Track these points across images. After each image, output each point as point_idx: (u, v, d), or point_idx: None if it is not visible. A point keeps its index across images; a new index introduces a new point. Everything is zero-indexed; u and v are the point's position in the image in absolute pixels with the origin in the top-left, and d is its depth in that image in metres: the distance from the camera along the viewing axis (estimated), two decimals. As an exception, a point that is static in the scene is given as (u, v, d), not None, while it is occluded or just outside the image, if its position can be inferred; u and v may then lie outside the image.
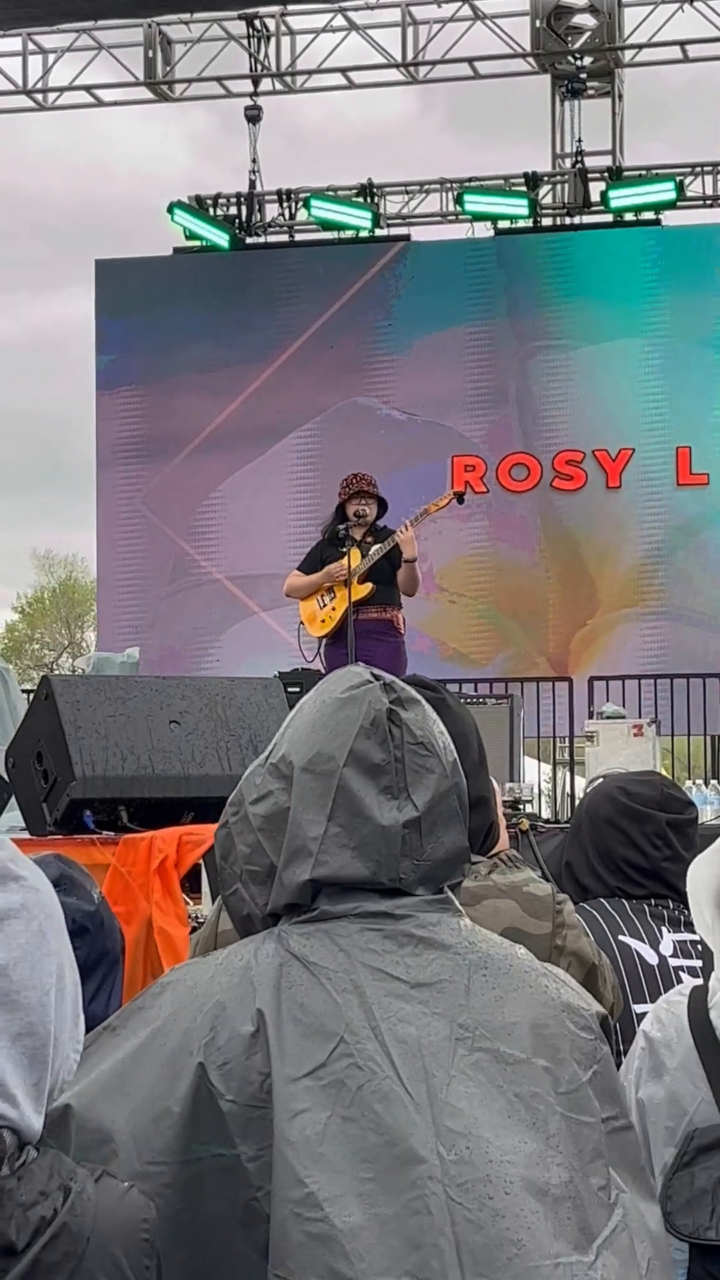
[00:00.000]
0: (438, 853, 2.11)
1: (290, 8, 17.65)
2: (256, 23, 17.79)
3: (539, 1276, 1.90)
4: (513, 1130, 1.97)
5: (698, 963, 3.22)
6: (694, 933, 3.20)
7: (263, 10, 17.56)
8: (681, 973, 3.38)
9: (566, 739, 15.18)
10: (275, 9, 17.62)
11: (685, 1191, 2.34)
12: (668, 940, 3.43)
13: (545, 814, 14.36)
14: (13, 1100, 1.73)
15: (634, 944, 3.40)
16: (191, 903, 5.52)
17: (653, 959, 3.39)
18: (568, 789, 15.82)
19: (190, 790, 5.89)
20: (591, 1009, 2.14)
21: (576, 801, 14.59)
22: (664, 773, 14.00)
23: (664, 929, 3.46)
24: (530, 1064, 2.01)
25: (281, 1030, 1.98)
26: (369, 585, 10.66)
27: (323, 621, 10.91)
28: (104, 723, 5.76)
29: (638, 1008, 3.25)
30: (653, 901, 3.52)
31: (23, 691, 12.84)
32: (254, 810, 2.14)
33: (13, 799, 6.16)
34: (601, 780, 3.88)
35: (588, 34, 17.59)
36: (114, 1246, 1.73)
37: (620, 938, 3.41)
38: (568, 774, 15.72)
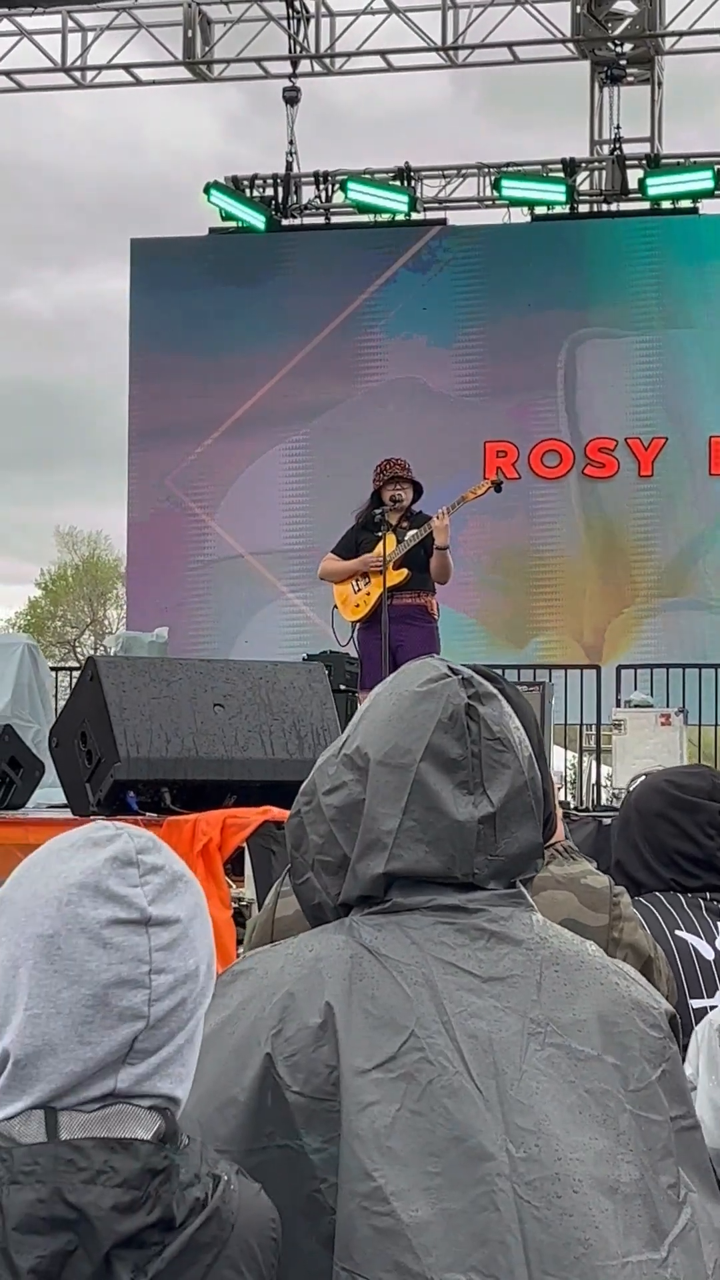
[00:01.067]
0: (511, 848, 2.11)
1: (330, -11, 17.62)
2: (296, 4, 17.77)
3: (605, 1276, 1.90)
4: (583, 1127, 1.97)
5: None
6: None
7: (303, -9, 17.55)
8: None
9: (594, 727, 15.17)
10: (316, -10, 17.61)
11: None
12: None
13: (571, 802, 14.36)
14: (183, 1079, 1.80)
15: (690, 939, 3.41)
16: (234, 885, 5.53)
17: (709, 954, 3.40)
18: (594, 777, 15.83)
19: (233, 773, 5.90)
20: (661, 1007, 2.13)
21: (602, 789, 14.61)
22: (690, 761, 14.05)
23: (718, 923, 3.47)
24: (600, 1061, 2.01)
25: (351, 1022, 1.98)
26: (404, 571, 10.66)
27: (357, 606, 10.91)
28: (148, 704, 5.76)
29: (694, 1003, 3.26)
30: (708, 895, 3.53)
31: (52, 670, 12.87)
32: (327, 801, 2.14)
33: (55, 777, 6.17)
34: (645, 776, 3.88)
35: (628, 20, 17.56)
36: (251, 1238, 1.78)
37: (677, 933, 3.41)
38: (594, 761, 15.73)
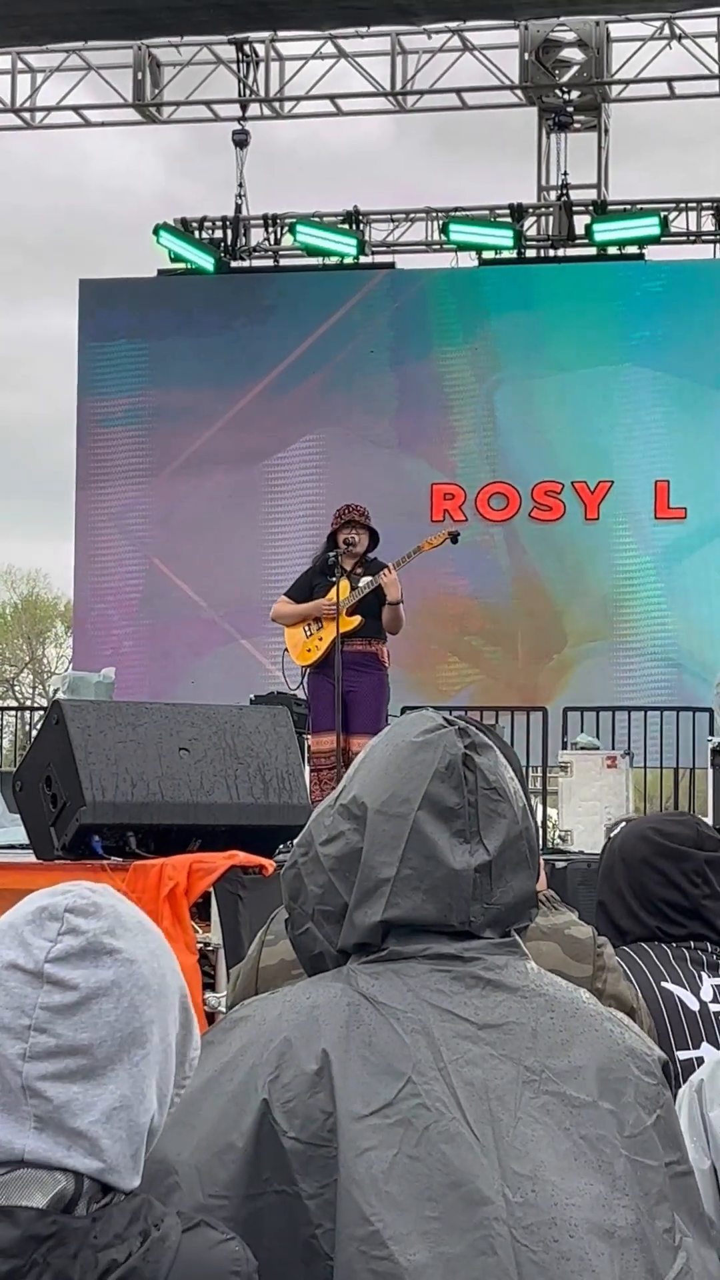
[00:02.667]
0: (506, 897, 2.14)
1: (281, 34, 17.72)
2: (246, 48, 17.86)
3: None
4: (579, 1172, 1.98)
5: None
6: None
7: (253, 36, 17.63)
8: None
9: (539, 769, 15.21)
10: (266, 35, 17.69)
11: None
12: (708, 985, 3.45)
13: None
14: (116, 1171, 1.75)
15: (676, 990, 3.42)
16: (200, 930, 5.53)
17: (694, 1005, 3.41)
18: (540, 819, 15.86)
19: (198, 818, 5.90)
20: (654, 1054, 2.16)
21: (548, 832, 14.65)
22: (634, 804, 14.10)
23: (704, 974, 3.48)
24: (596, 1107, 2.03)
25: (348, 1068, 1.99)
26: (357, 618, 10.70)
27: (308, 650, 10.93)
28: (114, 748, 5.76)
29: (680, 1054, 3.27)
30: (692, 945, 3.54)
31: None
32: (325, 851, 2.16)
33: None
34: (626, 823, 3.90)
35: (575, 68, 17.71)
36: None
37: (662, 984, 3.42)
38: (541, 804, 15.76)
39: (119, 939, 1.78)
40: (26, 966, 1.72)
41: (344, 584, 10.62)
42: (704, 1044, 3.32)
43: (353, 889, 2.12)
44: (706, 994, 3.44)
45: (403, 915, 2.09)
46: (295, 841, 2.23)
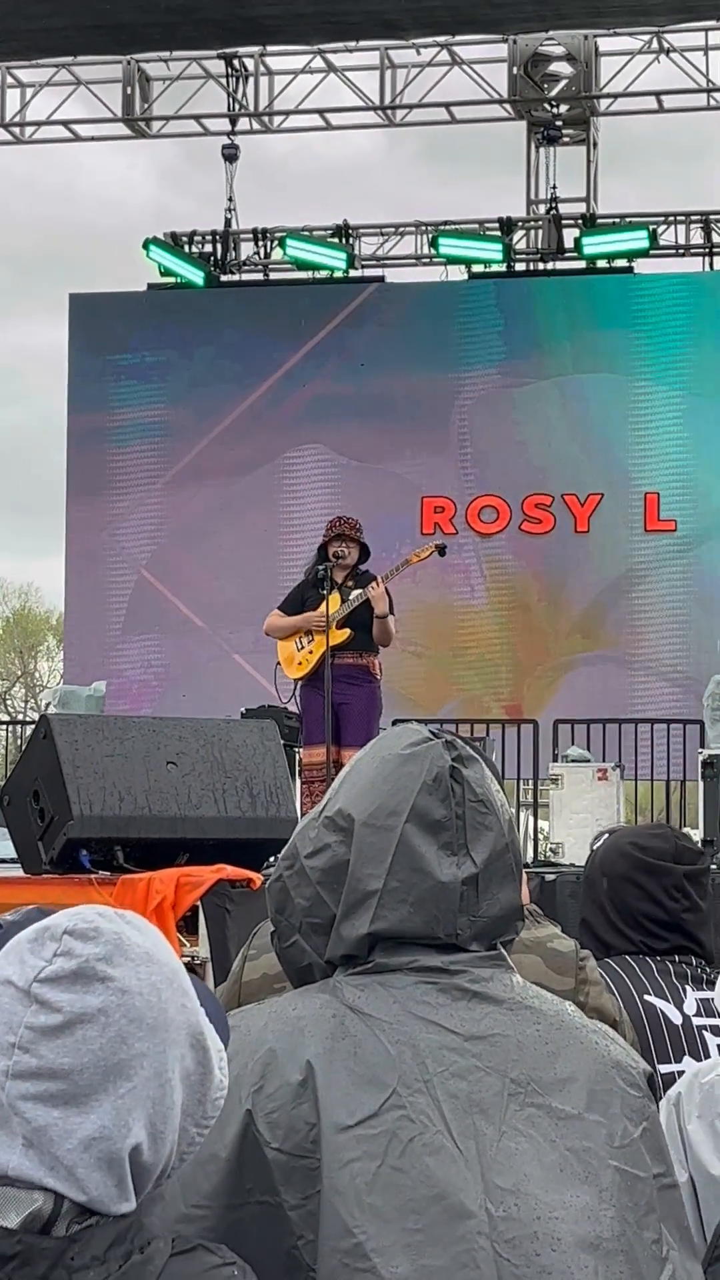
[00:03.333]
0: (493, 909, 2.14)
1: (270, 48, 17.75)
2: (236, 62, 17.89)
3: None
4: (565, 1184, 1.99)
5: None
6: (715, 990, 3.23)
7: (242, 50, 17.67)
8: (705, 1031, 3.41)
9: (530, 781, 15.22)
10: (255, 49, 17.72)
11: None
12: (691, 999, 3.46)
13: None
14: (100, 1203, 1.72)
15: (658, 1003, 3.43)
16: (188, 944, 5.53)
17: (677, 1018, 3.42)
18: (531, 831, 15.86)
19: (186, 831, 5.90)
20: (639, 1066, 2.16)
21: (539, 844, 14.66)
22: (625, 816, 14.11)
23: (687, 987, 3.48)
24: (583, 1119, 2.04)
25: (332, 1080, 1.99)
26: (347, 631, 10.71)
27: (300, 664, 10.95)
28: (102, 762, 5.76)
29: (663, 1068, 3.28)
30: (675, 958, 3.55)
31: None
32: (310, 864, 2.16)
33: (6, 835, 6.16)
34: (608, 836, 3.90)
35: (564, 82, 17.77)
36: None
37: (645, 997, 3.43)
38: (532, 816, 15.77)
39: (115, 967, 1.74)
40: (18, 984, 1.72)
41: (334, 597, 10.64)
42: (685, 1057, 3.33)
43: (340, 901, 2.12)
44: (690, 1007, 3.44)
45: (390, 927, 2.10)
46: (280, 855, 2.24)
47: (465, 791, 2.15)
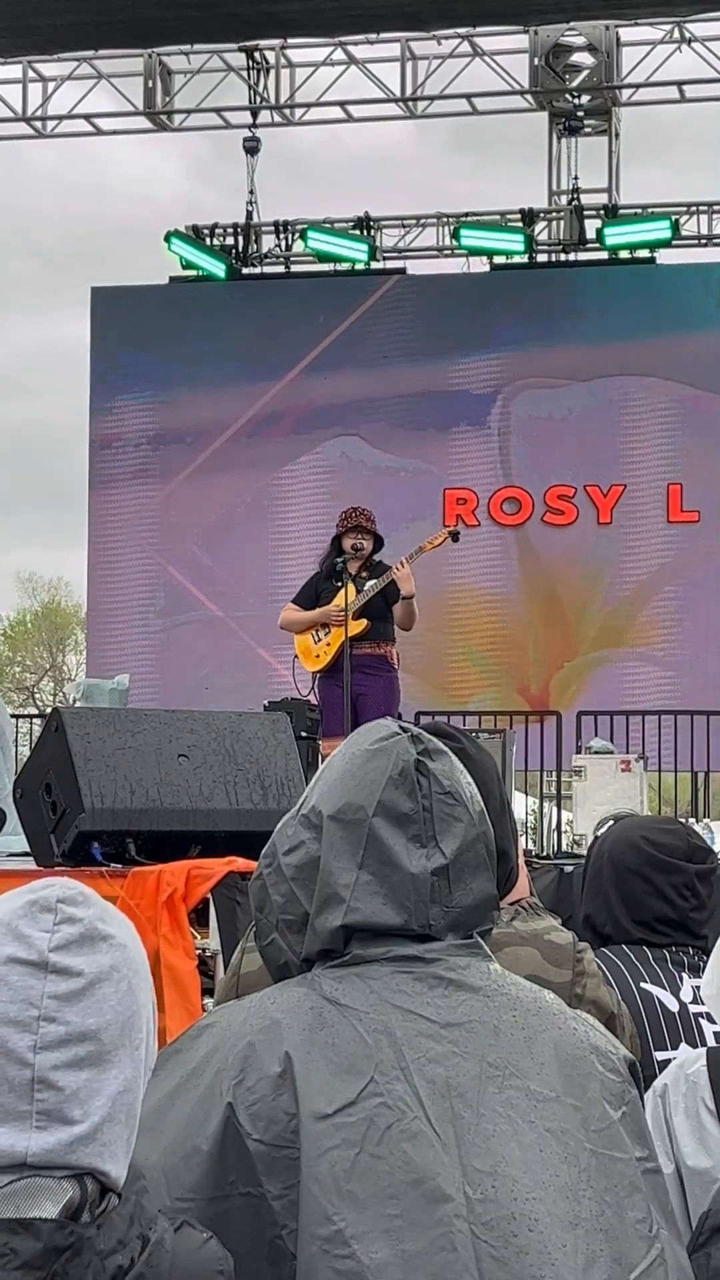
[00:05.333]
0: (466, 899, 2.16)
1: (290, 41, 17.75)
2: (256, 55, 17.90)
3: None
4: (544, 1165, 2.00)
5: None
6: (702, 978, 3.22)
7: (263, 43, 17.67)
8: (701, 1019, 3.42)
9: (554, 773, 15.22)
10: (275, 42, 17.73)
11: (703, 1273, 2.37)
12: (687, 986, 3.46)
13: (532, 849, 14.39)
14: (114, 1157, 1.77)
15: (655, 991, 3.43)
16: (199, 936, 5.55)
17: (673, 1006, 3.42)
18: (554, 823, 15.86)
19: (197, 824, 5.92)
20: (619, 1052, 2.18)
21: (563, 836, 14.65)
22: (650, 808, 14.10)
23: (684, 975, 3.49)
24: (560, 1102, 2.05)
25: (310, 1070, 2.02)
26: (364, 621, 10.73)
27: (317, 656, 10.97)
28: (113, 755, 5.79)
29: (659, 1055, 3.28)
30: (673, 947, 3.55)
31: (12, 716, 12.82)
32: (286, 861, 2.19)
33: (15, 824, 6.18)
34: (614, 824, 3.89)
35: (586, 72, 17.73)
36: None
37: (642, 985, 3.43)
38: (555, 808, 15.76)
39: (110, 925, 1.81)
40: (29, 958, 1.73)
41: (350, 587, 10.65)
42: (683, 1044, 3.33)
43: (313, 897, 2.15)
44: (686, 994, 3.45)
45: (363, 920, 2.12)
46: (262, 852, 2.26)
47: (432, 784, 2.17)
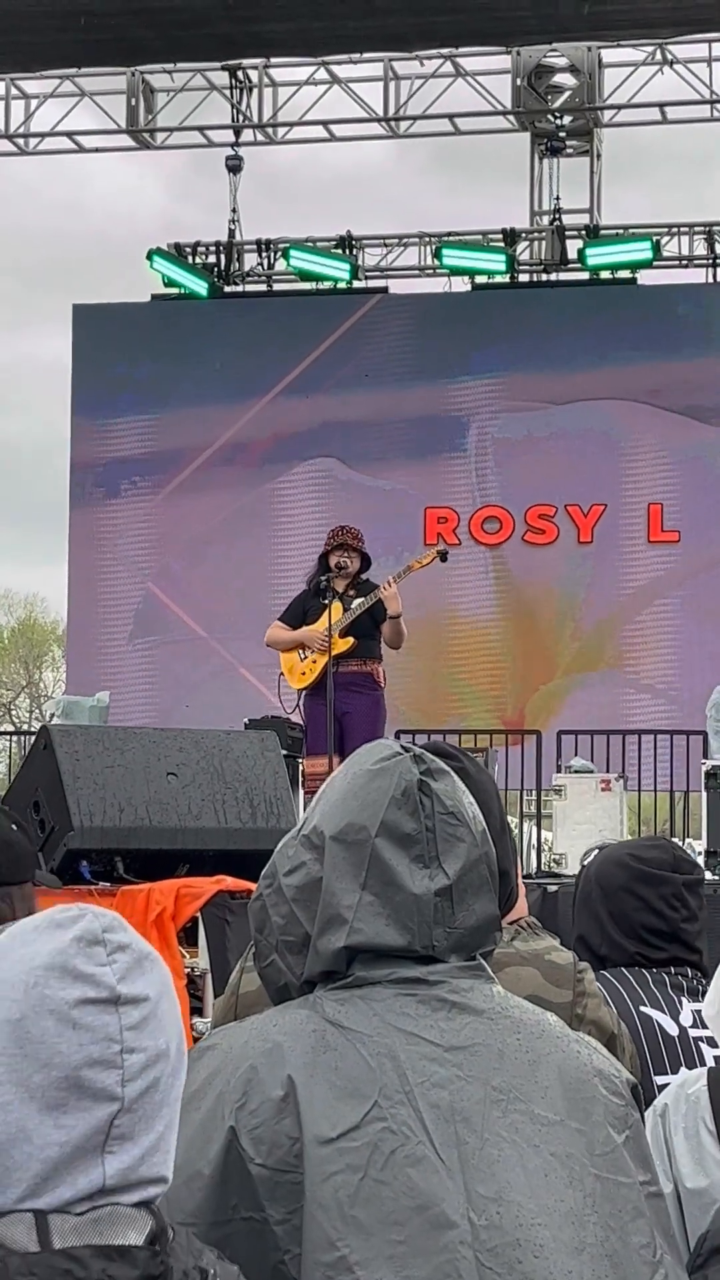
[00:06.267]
0: (469, 920, 2.15)
1: (273, 60, 17.78)
2: (239, 74, 17.92)
3: None
4: (550, 1189, 2.00)
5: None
6: (703, 1002, 3.23)
7: (246, 62, 17.70)
8: (701, 1043, 3.41)
9: (534, 792, 15.22)
10: (259, 61, 17.75)
11: None
12: (687, 1010, 3.46)
13: (512, 867, 14.37)
14: (171, 1158, 1.78)
15: (655, 1015, 3.43)
16: (188, 955, 5.54)
17: (673, 1030, 3.42)
18: (534, 841, 15.86)
19: (186, 842, 5.92)
20: (622, 1075, 2.17)
21: (543, 854, 14.65)
22: (629, 827, 14.11)
23: (683, 999, 3.49)
24: (564, 1125, 2.05)
25: (313, 1093, 2.00)
26: (350, 639, 10.74)
27: (303, 674, 10.98)
28: (102, 773, 5.78)
29: (659, 1079, 3.28)
30: (672, 970, 3.55)
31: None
32: (287, 882, 2.17)
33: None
34: (600, 849, 3.91)
35: (568, 93, 17.79)
36: None
37: (641, 1008, 3.43)
38: (535, 827, 15.76)
39: (143, 942, 1.81)
40: (100, 996, 1.71)
41: (336, 606, 10.67)
42: (682, 1068, 3.33)
43: (315, 919, 2.13)
44: (686, 1019, 3.45)
45: (366, 941, 2.10)
46: (262, 873, 2.25)
47: (434, 804, 2.16)
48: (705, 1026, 3.40)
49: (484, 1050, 2.07)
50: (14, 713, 48.91)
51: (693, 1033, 3.43)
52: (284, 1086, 2.01)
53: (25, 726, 41.21)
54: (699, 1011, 3.43)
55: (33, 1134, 1.68)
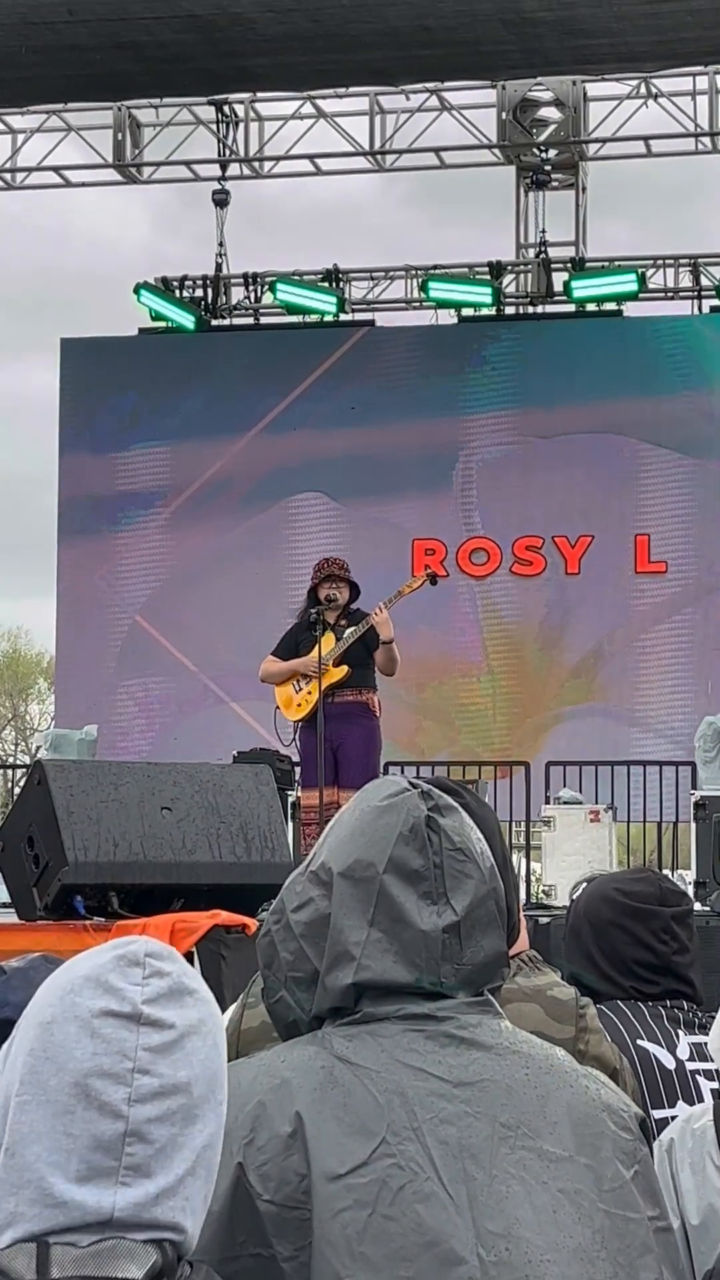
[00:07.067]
0: (477, 957, 2.15)
1: (259, 95, 17.84)
2: (226, 108, 17.98)
3: None
4: (558, 1226, 2.00)
5: (714, 1065, 3.25)
6: (709, 1034, 3.23)
7: (232, 96, 17.76)
8: (698, 1076, 3.41)
9: (523, 823, 15.22)
10: (245, 95, 17.82)
11: None
12: (684, 1044, 3.46)
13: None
14: (194, 1212, 1.76)
15: (652, 1048, 3.42)
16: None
17: (670, 1063, 3.42)
18: (523, 873, 15.85)
19: (181, 877, 5.91)
20: (630, 1110, 2.17)
21: (533, 886, 14.65)
22: (618, 858, 14.10)
23: (679, 1032, 3.48)
24: (573, 1161, 2.04)
25: (322, 1130, 2.00)
26: (344, 668, 10.75)
27: (298, 705, 10.98)
28: (96, 808, 5.78)
29: (656, 1113, 3.27)
30: (668, 1003, 3.55)
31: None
32: (295, 918, 2.17)
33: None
34: (588, 883, 3.90)
35: (553, 127, 17.86)
36: None
37: (639, 1042, 3.43)
38: (524, 859, 15.75)
39: (194, 981, 1.81)
40: (121, 1010, 1.73)
41: (328, 636, 10.68)
42: (679, 1102, 3.33)
43: (323, 955, 2.14)
44: (683, 1052, 3.45)
45: (374, 977, 2.11)
46: (269, 909, 2.25)
47: (443, 840, 2.16)
48: (703, 1060, 3.40)
49: (492, 1086, 2.07)
50: (0, 745, 48.83)
51: (690, 1066, 3.42)
52: (292, 1123, 2.01)
53: (11, 760, 41.16)
54: (696, 1045, 3.43)
55: (44, 1135, 1.69)
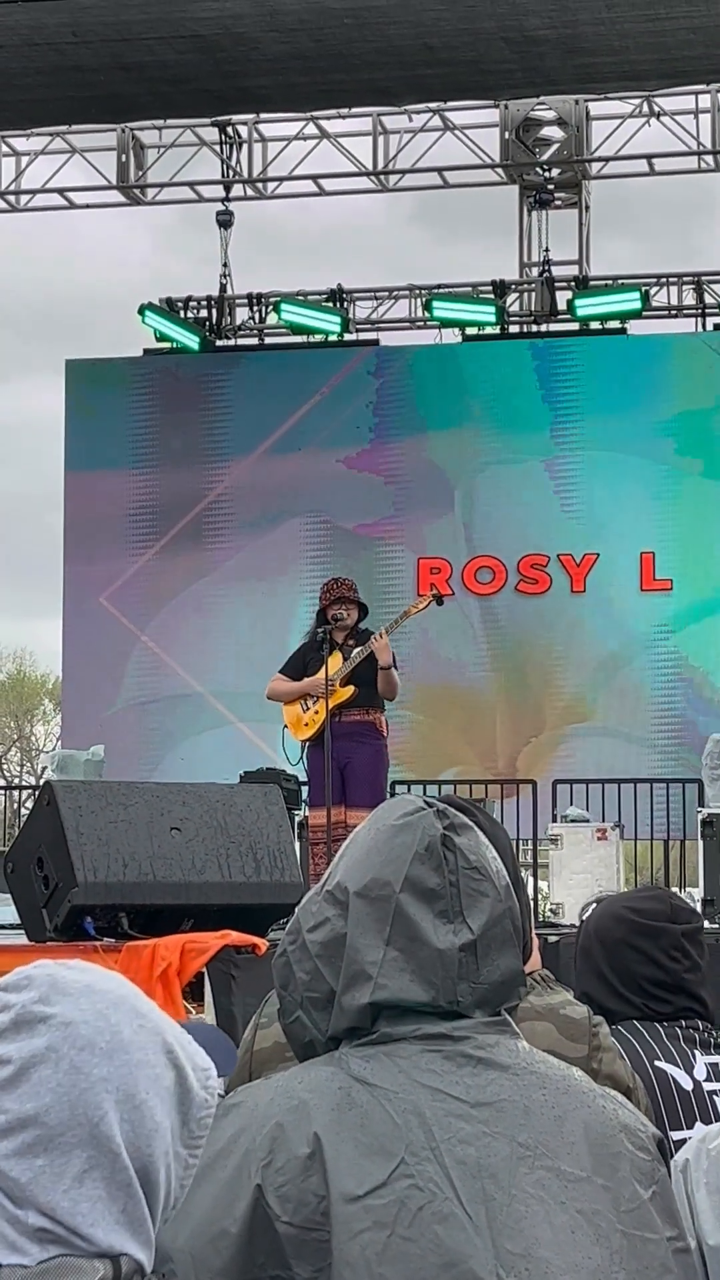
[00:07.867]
0: (493, 975, 2.15)
1: (263, 115, 17.88)
2: (229, 129, 18.01)
3: None
4: (577, 1246, 1.99)
5: None
6: None
7: (236, 117, 17.80)
8: (715, 1097, 3.40)
9: (530, 842, 15.21)
10: (248, 116, 17.85)
11: None
12: (701, 1064, 3.45)
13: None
14: (90, 1239, 1.71)
15: (669, 1069, 3.41)
16: (193, 1011, 5.52)
17: (687, 1084, 3.41)
18: (531, 892, 15.84)
19: (190, 897, 5.90)
20: (648, 1130, 2.17)
21: (539, 905, 14.63)
22: (625, 875, 14.09)
23: (696, 1052, 3.47)
24: (590, 1182, 2.04)
25: (340, 1151, 2.00)
26: (351, 688, 10.76)
27: (306, 725, 10.99)
28: (105, 829, 5.77)
29: (674, 1134, 3.26)
30: (683, 1023, 3.54)
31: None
32: (311, 938, 2.17)
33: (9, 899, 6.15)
34: (597, 904, 3.90)
35: (556, 146, 17.88)
36: None
37: (656, 1063, 3.42)
38: (531, 877, 15.75)
39: (52, 1005, 1.74)
40: None
41: (336, 656, 10.70)
42: (697, 1123, 3.32)
43: (339, 975, 2.13)
44: (700, 1072, 3.43)
45: (391, 997, 2.10)
46: (285, 929, 2.25)
47: (458, 859, 2.16)
48: (718, 1079, 3.39)
49: (510, 1106, 2.06)
50: (5, 767, 48.84)
51: (707, 1086, 3.41)
52: (310, 1144, 2.00)
53: (17, 780, 41.16)
54: (713, 1065, 3.42)
55: None
